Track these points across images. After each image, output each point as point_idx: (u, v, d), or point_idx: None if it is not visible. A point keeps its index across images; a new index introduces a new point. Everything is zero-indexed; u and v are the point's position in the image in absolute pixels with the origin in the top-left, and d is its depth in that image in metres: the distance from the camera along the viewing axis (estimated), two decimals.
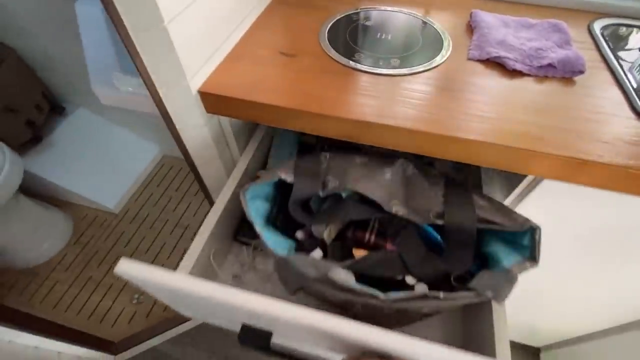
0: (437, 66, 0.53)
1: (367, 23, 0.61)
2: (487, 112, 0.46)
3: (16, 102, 1.24)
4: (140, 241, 1.39)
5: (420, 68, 0.52)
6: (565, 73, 0.50)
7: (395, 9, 0.65)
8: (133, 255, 1.35)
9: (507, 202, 0.55)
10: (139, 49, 0.40)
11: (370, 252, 0.43)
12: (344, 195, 0.46)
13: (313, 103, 0.47)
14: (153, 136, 1.58)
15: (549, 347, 1.03)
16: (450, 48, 0.57)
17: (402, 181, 0.45)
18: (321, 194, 0.43)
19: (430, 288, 0.40)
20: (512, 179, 0.54)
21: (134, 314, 1.21)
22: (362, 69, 0.52)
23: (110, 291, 1.26)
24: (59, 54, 1.27)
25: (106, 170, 1.49)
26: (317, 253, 0.44)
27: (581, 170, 0.42)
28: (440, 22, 0.62)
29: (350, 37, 0.58)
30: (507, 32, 0.56)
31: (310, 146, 0.66)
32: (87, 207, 1.48)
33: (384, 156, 0.48)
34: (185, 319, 1.13)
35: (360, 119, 0.45)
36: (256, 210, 0.45)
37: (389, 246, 0.46)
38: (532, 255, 0.38)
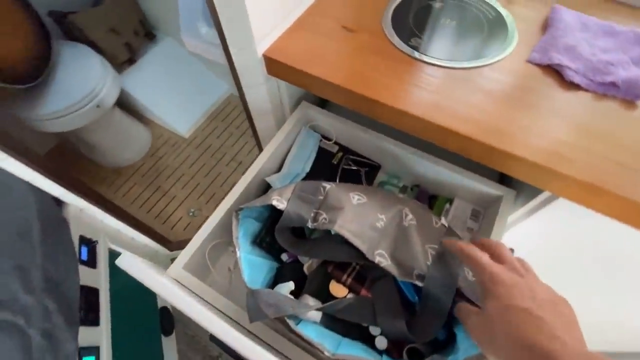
0: (492, 64, 0.53)
1: (436, 5, 0.61)
2: (529, 123, 0.47)
3: (119, 25, 1.43)
4: (202, 166, 1.60)
5: (476, 63, 0.53)
6: (627, 94, 0.48)
7: None
8: (195, 177, 1.57)
9: (518, 213, 0.57)
10: (218, 10, 0.47)
11: (343, 297, 0.45)
12: (332, 232, 0.46)
13: (361, 84, 0.51)
14: (224, 76, 1.72)
15: None
16: (514, 44, 0.55)
17: (395, 230, 0.45)
18: (310, 225, 0.44)
19: (390, 343, 0.43)
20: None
21: (189, 224, 1.46)
22: (416, 56, 0.54)
23: (173, 201, 1.52)
24: None
25: (183, 99, 1.68)
26: (288, 287, 0.46)
27: (601, 198, 0.43)
28: (516, 13, 0.59)
29: (413, 18, 0.59)
30: (582, 37, 0.53)
31: (329, 154, 0.68)
32: (164, 128, 1.71)
33: (387, 199, 0.48)
34: None
35: (403, 110, 0.49)
36: (245, 230, 0.47)
37: (364, 292, 0.46)
38: None
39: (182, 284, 0.50)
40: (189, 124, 1.68)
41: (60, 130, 1.22)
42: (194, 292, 0.49)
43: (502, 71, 0.52)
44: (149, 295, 1.17)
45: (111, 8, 1.38)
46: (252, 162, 0.61)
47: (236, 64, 0.56)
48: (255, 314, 0.40)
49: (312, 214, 0.45)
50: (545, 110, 0.48)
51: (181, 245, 1.34)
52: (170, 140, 1.68)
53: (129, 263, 0.45)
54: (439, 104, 0.49)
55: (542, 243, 0.61)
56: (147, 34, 1.58)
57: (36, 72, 1.13)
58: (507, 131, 0.46)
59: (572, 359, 0.24)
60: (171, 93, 1.66)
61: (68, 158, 1.60)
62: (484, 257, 0.31)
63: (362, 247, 0.42)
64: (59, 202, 0.84)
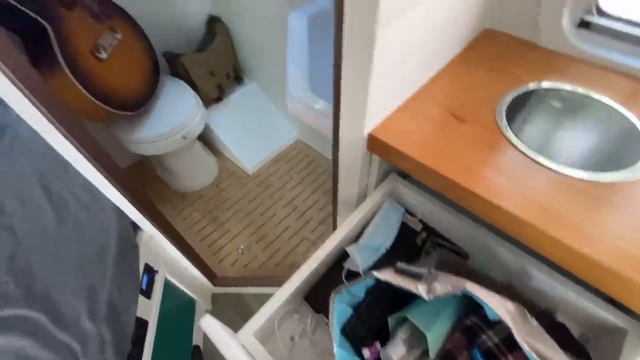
0: (626, 182, 0.47)
1: (556, 104, 0.57)
2: None
3: (216, 68, 1.59)
4: (259, 204, 1.64)
5: (602, 177, 0.47)
6: None
7: (599, 96, 0.58)
8: (251, 213, 1.60)
9: None
10: (342, 90, 0.48)
11: None
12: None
13: (467, 177, 0.48)
14: (295, 122, 1.81)
15: None
16: None
17: (526, 324, 0.40)
18: (426, 297, 0.40)
19: None
20: None
21: (237, 260, 1.46)
22: (532, 156, 0.50)
23: (227, 235, 1.54)
24: (258, 39, 1.56)
25: (254, 137, 1.78)
26: None
27: None
28: None
29: (530, 115, 0.56)
30: None
31: (412, 232, 0.65)
32: (231, 162, 1.81)
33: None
34: (272, 283, 1.31)
35: (513, 213, 0.44)
36: (338, 317, 0.46)
37: None
38: None
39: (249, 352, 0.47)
40: (255, 161, 1.75)
41: (146, 154, 1.33)
42: None
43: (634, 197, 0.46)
44: (186, 332, 1.15)
45: (214, 54, 1.56)
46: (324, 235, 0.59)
47: (341, 134, 0.56)
48: None
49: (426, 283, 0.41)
50: None
51: (225, 282, 1.33)
52: (235, 174, 1.76)
53: (210, 324, 0.44)
54: (559, 216, 0.44)
55: None
56: (237, 77, 1.74)
57: (142, 101, 1.27)
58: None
59: None
60: (245, 131, 1.77)
61: (143, 176, 1.74)
62: None
63: (506, 318, 0.35)
64: (134, 227, 0.89)
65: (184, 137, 1.32)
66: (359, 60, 0.42)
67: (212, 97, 1.63)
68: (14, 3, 0.91)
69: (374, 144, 0.55)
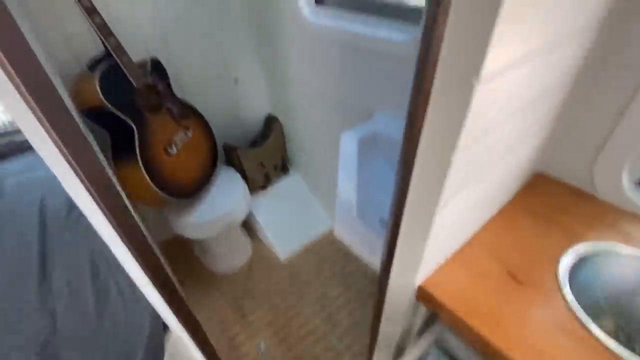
0: None
1: (626, 271, 0.53)
2: None
3: (266, 160, 1.72)
4: (286, 297, 1.58)
5: None
6: None
7: None
8: (277, 307, 1.54)
9: None
10: (397, 247, 0.49)
11: None
12: None
13: (524, 355, 0.43)
14: (330, 214, 1.84)
15: None
16: None
17: None
18: None
19: None
20: None
21: None
22: (604, 341, 0.44)
23: (248, 328, 1.47)
24: (308, 138, 1.70)
25: (291, 226, 1.81)
26: None
27: None
28: None
29: (598, 287, 0.51)
30: None
31: None
32: (265, 247, 1.82)
33: None
34: None
35: None
36: None
37: None
38: None
39: None
40: (288, 249, 1.75)
41: (190, 237, 1.39)
42: None
43: None
44: None
45: (266, 149, 1.71)
46: None
47: (390, 279, 0.55)
48: None
49: None
50: None
51: None
52: (267, 260, 1.76)
53: None
54: None
55: None
56: (283, 167, 1.86)
57: (199, 189, 1.38)
58: None
59: None
60: (283, 219, 1.82)
61: (180, 250, 1.79)
62: None
63: None
64: (164, 327, 0.87)
65: (227, 224, 1.37)
66: (416, 229, 0.43)
67: (258, 185, 1.73)
68: (112, 109, 1.09)
69: (424, 295, 0.53)
